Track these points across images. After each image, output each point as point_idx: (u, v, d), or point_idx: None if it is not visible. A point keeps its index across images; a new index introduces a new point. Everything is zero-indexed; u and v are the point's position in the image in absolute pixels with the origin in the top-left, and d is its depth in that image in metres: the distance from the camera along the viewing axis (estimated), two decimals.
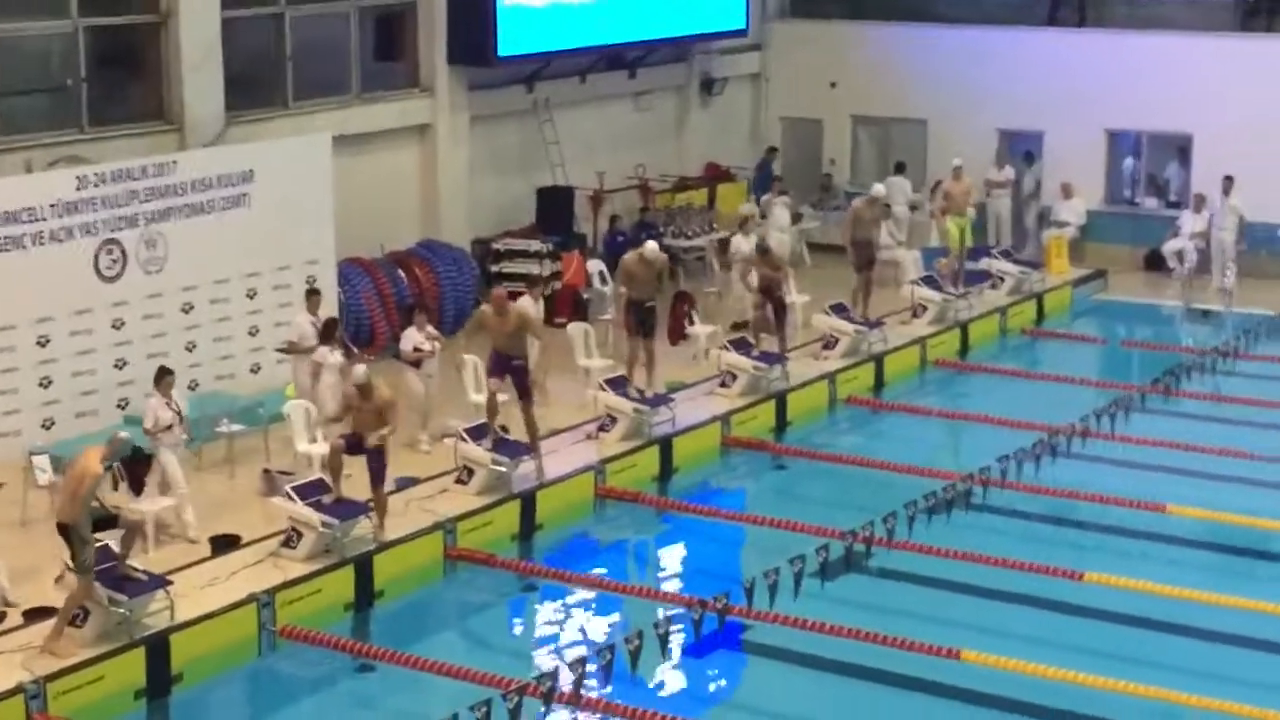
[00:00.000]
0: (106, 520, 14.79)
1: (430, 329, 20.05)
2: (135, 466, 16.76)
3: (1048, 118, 29.58)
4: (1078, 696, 14.29)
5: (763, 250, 23.17)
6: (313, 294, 20.12)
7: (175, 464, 16.95)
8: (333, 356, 18.90)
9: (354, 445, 16.88)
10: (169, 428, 16.91)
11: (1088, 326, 26.85)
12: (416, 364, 19.72)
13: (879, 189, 25.45)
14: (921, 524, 16.67)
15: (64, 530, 14.54)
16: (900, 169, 29.94)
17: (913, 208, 29.64)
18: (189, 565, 16.07)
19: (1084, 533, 18.34)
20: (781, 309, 22.64)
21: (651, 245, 21.33)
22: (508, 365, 18.71)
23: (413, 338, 19.81)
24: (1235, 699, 14.05)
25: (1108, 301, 28.03)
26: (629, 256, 21.23)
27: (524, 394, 18.82)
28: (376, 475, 16.93)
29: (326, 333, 19.18)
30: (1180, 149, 29.35)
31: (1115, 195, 29.92)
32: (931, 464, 19.52)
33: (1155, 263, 28.84)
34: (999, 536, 17.80)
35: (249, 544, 16.64)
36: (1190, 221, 28.08)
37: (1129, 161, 29.87)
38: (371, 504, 16.87)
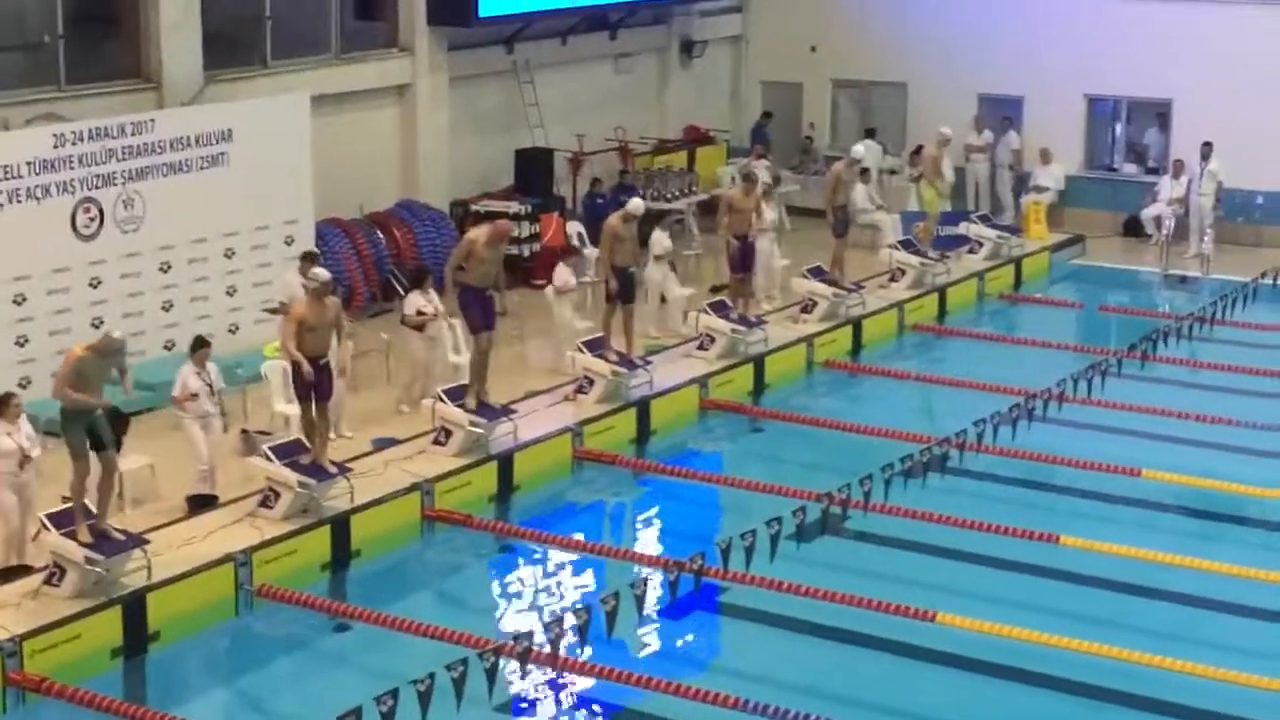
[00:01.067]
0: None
1: (433, 294, 19.86)
2: (113, 425, 16.73)
3: (1028, 82, 29.58)
4: (1053, 659, 14.36)
5: (747, 177, 23.16)
6: (308, 257, 20.05)
7: (200, 438, 16.74)
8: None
9: (311, 375, 16.70)
10: (194, 397, 16.77)
11: (1065, 292, 26.91)
12: (420, 328, 19.60)
13: (859, 150, 25.40)
14: (898, 487, 16.71)
15: (61, 415, 14.88)
16: (871, 134, 30.00)
17: (891, 172, 29.67)
18: (166, 525, 16.08)
19: (1060, 497, 18.39)
20: (751, 253, 22.56)
21: (635, 202, 21.23)
22: (483, 300, 18.59)
23: (415, 302, 19.62)
24: (1208, 662, 14.14)
25: (1086, 267, 28.08)
26: (613, 218, 20.90)
27: (491, 325, 18.74)
28: (325, 392, 16.82)
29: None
30: (1160, 114, 29.37)
31: (1094, 160, 29.96)
32: (908, 428, 19.55)
33: (1134, 228, 28.92)
34: (975, 500, 17.85)
35: (226, 504, 16.63)
36: (1169, 187, 28.16)
37: (1118, 128, 29.88)
38: (347, 467, 16.90)
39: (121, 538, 14.91)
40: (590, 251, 24.90)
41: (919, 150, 29.19)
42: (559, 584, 16.64)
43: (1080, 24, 29.20)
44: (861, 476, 16.48)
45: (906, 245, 25.48)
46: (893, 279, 25.06)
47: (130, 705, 13.54)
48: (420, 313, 19.52)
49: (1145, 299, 26.68)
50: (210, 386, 16.85)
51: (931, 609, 14.90)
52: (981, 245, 26.74)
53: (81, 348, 14.98)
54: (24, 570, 15.07)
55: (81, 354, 14.82)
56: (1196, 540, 17.17)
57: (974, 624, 14.74)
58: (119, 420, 16.73)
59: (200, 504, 16.63)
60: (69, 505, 14.90)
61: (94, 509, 14.90)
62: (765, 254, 23.94)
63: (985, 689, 14.29)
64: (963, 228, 26.94)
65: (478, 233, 18.76)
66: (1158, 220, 27.95)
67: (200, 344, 17.03)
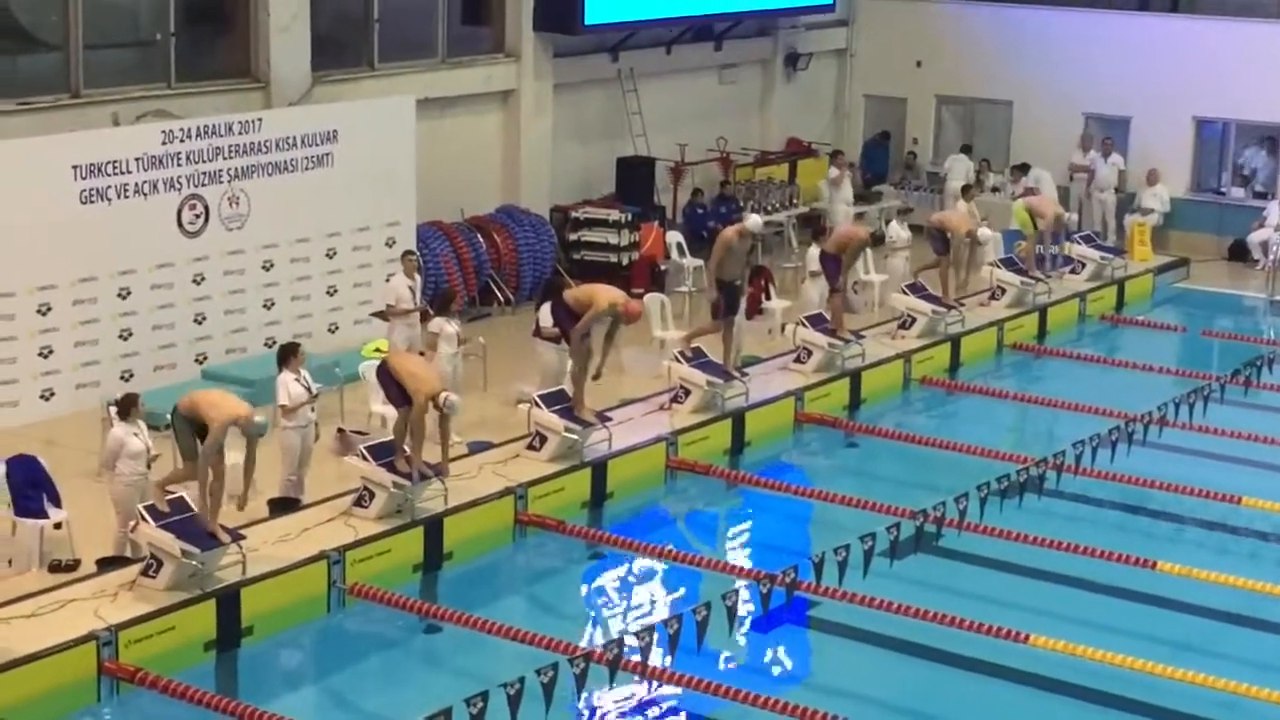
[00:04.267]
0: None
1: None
2: None
3: (1135, 103, 29.31)
4: (1146, 685, 14.19)
5: (880, 240, 23.15)
6: (408, 254, 20.18)
7: (296, 449, 16.78)
8: (450, 327, 18.93)
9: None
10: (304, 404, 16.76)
11: (1168, 315, 26.60)
12: (556, 339, 19.43)
13: (985, 233, 24.57)
14: (993, 506, 16.56)
15: (174, 415, 15.02)
16: (967, 150, 29.92)
17: (994, 189, 29.49)
18: (261, 521, 16.19)
19: (1157, 522, 18.20)
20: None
21: (754, 219, 21.05)
22: None
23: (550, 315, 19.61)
24: None
25: (1189, 290, 27.75)
26: (728, 230, 20.57)
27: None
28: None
29: (444, 304, 19.23)
30: (1269, 138, 29.02)
31: (1201, 183, 29.63)
32: (1005, 447, 19.41)
33: (1239, 253, 28.58)
34: (1071, 522, 17.67)
35: (320, 502, 16.71)
36: (1277, 212, 27.81)
37: (1249, 152, 29.47)
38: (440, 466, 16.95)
39: (226, 537, 15.01)
40: (688, 261, 24.90)
41: (1022, 168, 29.05)
42: (649, 592, 16.62)
43: (1190, 46, 28.90)
44: (957, 495, 16.36)
45: (1007, 263, 25.26)
46: (993, 297, 24.85)
47: (222, 698, 13.64)
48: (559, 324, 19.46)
49: (1249, 324, 26.33)
50: (309, 389, 16.94)
51: (1025, 630, 14.76)
52: (1084, 266, 26.48)
53: (230, 419, 14.81)
54: (123, 561, 15.23)
55: (224, 427, 14.79)
56: None
57: (1068, 647, 14.59)
58: None
59: (282, 507, 16.70)
60: (170, 497, 15.02)
61: (199, 510, 15.02)
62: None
63: (1077, 713, 14.15)
64: (1066, 248, 26.69)
65: (610, 304, 18.33)
66: (1264, 245, 27.61)
67: (293, 348, 17.03)
